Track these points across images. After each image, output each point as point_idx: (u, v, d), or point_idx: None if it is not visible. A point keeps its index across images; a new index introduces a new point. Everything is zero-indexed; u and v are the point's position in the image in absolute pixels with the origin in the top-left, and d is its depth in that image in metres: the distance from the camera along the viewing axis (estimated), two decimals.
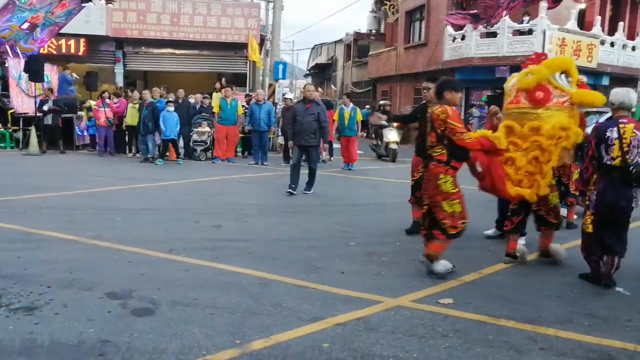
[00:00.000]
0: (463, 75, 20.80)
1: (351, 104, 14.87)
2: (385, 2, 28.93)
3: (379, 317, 4.12)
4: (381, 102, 17.02)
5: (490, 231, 6.97)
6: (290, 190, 9.52)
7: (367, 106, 30.15)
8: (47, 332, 3.62)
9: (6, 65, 16.22)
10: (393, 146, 15.96)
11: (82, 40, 21.51)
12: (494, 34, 19.58)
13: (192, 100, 15.48)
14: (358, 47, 36.95)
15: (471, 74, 20.53)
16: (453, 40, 21.15)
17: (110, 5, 19.84)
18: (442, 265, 5.18)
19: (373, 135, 17.70)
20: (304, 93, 9.91)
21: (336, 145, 15.76)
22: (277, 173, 12.58)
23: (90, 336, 3.59)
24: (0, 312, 3.93)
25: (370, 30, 35.21)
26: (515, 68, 18.65)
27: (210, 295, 4.44)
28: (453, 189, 5.16)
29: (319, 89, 20.16)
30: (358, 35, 37.10)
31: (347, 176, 12.75)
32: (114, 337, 3.58)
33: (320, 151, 9.93)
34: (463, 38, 20.63)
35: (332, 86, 40.76)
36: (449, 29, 21.19)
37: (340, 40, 41.76)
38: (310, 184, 9.71)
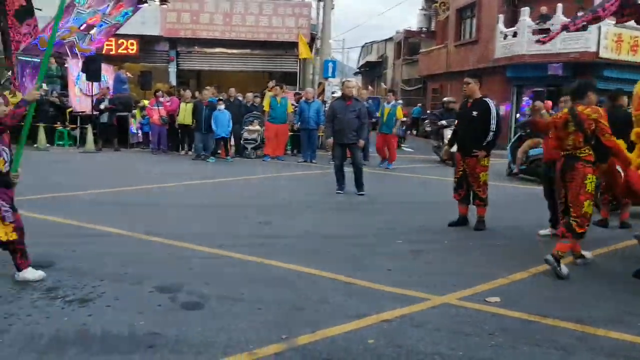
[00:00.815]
0: (514, 73, 20.33)
1: (393, 101, 14.46)
2: (435, 0, 28.61)
3: (425, 315, 4.06)
4: (445, 99, 16.60)
5: (546, 230, 6.78)
6: (339, 192, 9.46)
7: (419, 104, 29.87)
8: (99, 324, 3.73)
9: (66, 65, 16.83)
10: (453, 149, 15.50)
11: (137, 41, 22.10)
12: (547, 31, 19.00)
13: (242, 99, 15.68)
14: (408, 45, 36.62)
15: (522, 71, 20.04)
16: (504, 38, 20.67)
17: (164, 6, 20.33)
18: (565, 269, 5.10)
19: (432, 137, 17.22)
20: (343, 90, 9.78)
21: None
22: (325, 171, 12.59)
23: (141, 328, 3.68)
24: (56, 303, 4.07)
25: (421, 28, 34.85)
26: (569, 65, 18.27)
27: (258, 290, 4.48)
28: (593, 190, 5.14)
29: (369, 87, 20.06)
30: (408, 33, 36.78)
31: (395, 174, 12.65)
32: (163, 330, 3.65)
33: (361, 149, 9.66)
34: (515, 35, 20.12)
35: (382, 84, 40.52)
36: (500, 26, 20.73)
37: (391, 39, 41.51)
38: (359, 184, 9.39)
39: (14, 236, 4.46)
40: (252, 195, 9.32)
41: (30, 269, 4.56)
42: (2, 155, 4.46)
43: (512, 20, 21.10)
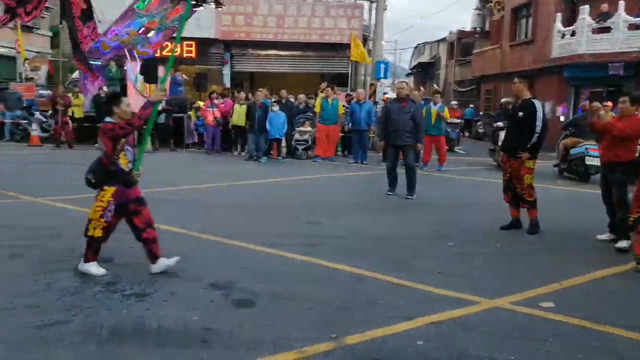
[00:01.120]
0: (572, 73, 19.72)
1: (440, 102, 14.20)
2: None
3: (476, 318, 4.03)
4: (503, 100, 16.19)
5: (604, 235, 6.58)
6: (390, 194, 9.44)
7: (471, 105, 29.40)
8: (155, 318, 3.86)
9: (125, 68, 17.39)
10: None
11: (193, 43, 22.60)
12: (607, 29, 18.37)
13: (294, 100, 15.84)
14: (462, 45, 36.09)
15: (581, 71, 19.40)
16: (562, 37, 20.09)
17: (219, 9, 20.70)
18: None
19: (488, 139, 16.82)
20: (396, 91, 9.77)
21: None
22: (375, 172, 12.58)
23: (195, 323, 3.79)
24: (115, 297, 4.25)
25: (475, 28, 34.31)
26: (630, 65, 17.58)
27: (308, 289, 4.54)
28: None
29: (421, 88, 19.88)
30: (462, 34, 36.26)
31: (446, 176, 12.51)
32: (216, 326, 3.75)
33: (416, 152, 9.57)
34: (573, 34, 19.53)
35: (435, 85, 40.08)
36: (558, 25, 20.16)
37: (444, 39, 41.03)
38: (411, 187, 9.27)
39: (98, 234, 4.67)
40: (303, 196, 9.41)
41: (95, 263, 4.76)
42: (126, 154, 4.70)
43: (570, 18, 20.50)
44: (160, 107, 15.45)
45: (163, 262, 4.81)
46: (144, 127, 5.11)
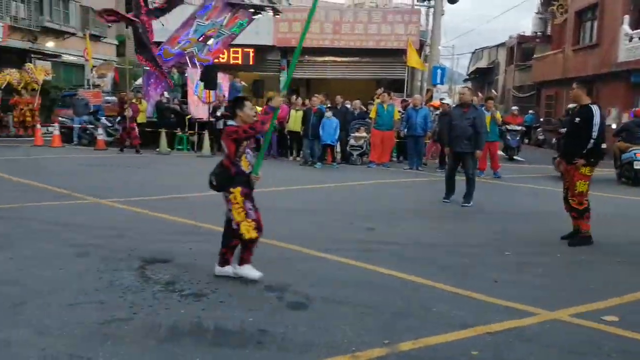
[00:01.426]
0: None
1: (493, 108, 13.85)
2: (553, 2, 27.36)
3: (534, 330, 3.92)
4: (570, 105, 15.58)
5: None
6: (446, 201, 9.32)
7: (530, 111, 28.66)
8: (212, 318, 3.95)
9: (186, 75, 17.90)
10: None
11: (251, 50, 23.03)
12: None
13: (349, 106, 15.87)
14: (522, 50, 35.28)
15: None
16: (630, 40, 19.32)
17: (277, 16, 21.04)
18: None
19: (551, 146, 16.33)
20: (458, 97, 9.71)
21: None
22: (432, 179, 12.45)
23: (250, 325, 3.86)
24: (173, 297, 4.37)
25: (536, 33, 33.43)
26: None
27: (362, 294, 4.54)
28: None
29: (479, 94, 19.53)
30: (522, 38, 35.44)
31: (504, 183, 12.23)
32: (270, 328, 3.80)
33: (476, 159, 9.39)
34: None
35: (493, 91, 39.30)
36: (626, 28, 19.40)
37: (503, 44, 40.22)
38: (468, 195, 9.13)
39: (254, 234, 4.70)
40: (358, 201, 9.41)
41: (250, 266, 4.83)
42: (247, 157, 4.77)
43: (638, 21, 19.70)
44: (219, 113, 15.91)
45: (247, 270, 4.81)
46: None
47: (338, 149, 15.13)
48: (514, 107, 18.93)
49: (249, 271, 4.80)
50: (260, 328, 3.79)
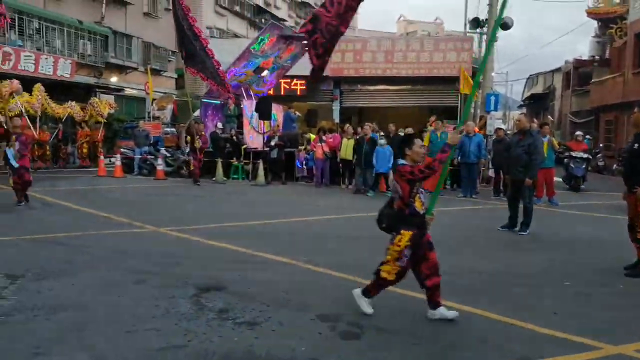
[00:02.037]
0: None
1: (548, 135, 13.43)
2: (611, 26, 26.68)
3: None
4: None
5: None
6: (503, 229, 9.12)
7: (588, 136, 27.79)
8: (264, 347, 3.98)
9: (242, 106, 18.35)
10: None
11: (304, 81, 23.40)
12: None
13: (401, 134, 15.83)
14: (578, 74, 34.45)
15: None
16: None
17: None
18: None
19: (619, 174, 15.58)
20: (516, 124, 9.62)
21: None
22: (486, 206, 12.21)
23: (302, 354, 3.87)
24: (227, 324, 4.44)
25: (593, 57, 32.61)
26: None
27: (415, 325, 4.48)
28: None
29: (534, 120, 19.11)
30: (579, 63, 34.65)
31: (562, 211, 11.85)
32: (321, 357, 3.80)
33: (531, 187, 9.16)
34: None
35: (549, 117, 38.42)
36: None
37: (559, 69, 39.43)
38: (525, 224, 8.95)
39: (392, 277, 4.56)
40: None
41: (369, 301, 4.72)
42: (420, 197, 4.60)
43: None
44: (273, 143, 16.20)
45: (441, 312, 4.62)
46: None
47: (391, 176, 15.05)
48: (578, 132, 17.61)
49: (365, 305, 4.69)
50: (312, 357, 3.79)
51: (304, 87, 23.51)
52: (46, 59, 20.76)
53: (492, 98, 18.45)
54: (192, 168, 16.24)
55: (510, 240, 8.49)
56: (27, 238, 7.75)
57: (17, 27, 20.88)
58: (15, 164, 10.51)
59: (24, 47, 20.59)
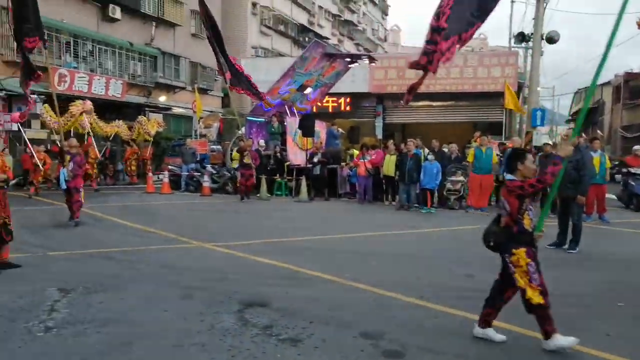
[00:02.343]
0: None
1: (599, 150, 13.03)
2: None
3: None
4: None
5: None
6: (551, 246, 8.91)
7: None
8: None
9: (285, 123, 18.57)
10: None
11: (347, 98, 23.54)
12: None
13: (445, 150, 15.72)
14: (629, 88, 33.51)
15: None
16: None
17: (372, 64, 21.45)
18: None
19: None
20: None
21: None
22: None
23: None
24: (270, 341, 4.48)
25: None
26: None
27: (460, 344, 4.42)
28: None
29: (583, 135, 18.64)
30: (629, 76, 33.74)
31: (612, 228, 11.48)
32: None
33: (581, 204, 8.93)
34: None
35: (598, 131, 37.37)
36: None
37: (608, 82, 38.38)
38: (574, 241, 8.74)
39: (540, 300, 4.29)
40: (455, 247, 9.20)
41: (558, 335, 4.32)
42: (529, 214, 4.42)
43: None
44: (316, 159, 16.30)
45: (489, 333, 4.55)
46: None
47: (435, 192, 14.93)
48: (637, 147, 16.29)
49: (561, 341, 4.29)
50: None
51: (347, 104, 23.64)
52: (99, 79, 21.51)
53: (539, 113, 18.14)
54: (238, 185, 16.47)
55: (559, 258, 8.27)
56: (78, 253, 8.02)
57: (72, 49, 21.75)
58: (64, 186, 10.48)
59: (79, 68, 21.40)
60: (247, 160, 15.97)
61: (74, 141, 11.22)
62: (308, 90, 19.11)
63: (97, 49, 23.26)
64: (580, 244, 8.70)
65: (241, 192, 15.99)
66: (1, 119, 17.48)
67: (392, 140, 17.01)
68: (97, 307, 5.35)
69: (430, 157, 13.99)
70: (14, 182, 12.36)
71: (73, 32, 21.68)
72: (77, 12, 21.90)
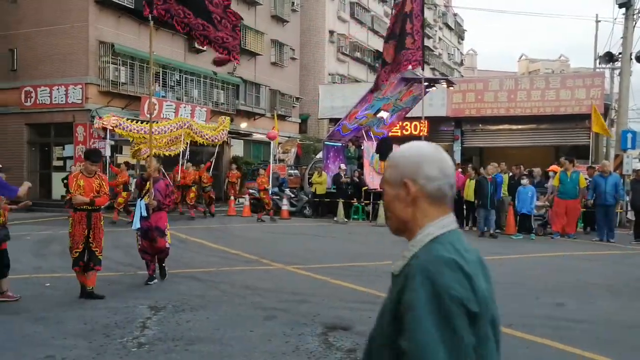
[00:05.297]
0: None
1: None
2: None
3: None
4: None
5: None
6: None
7: None
8: None
9: (362, 147, 18.68)
10: None
11: (425, 122, 23.37)
12: None
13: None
14: None
15: None
16: None
17: (451, 88, 21.27)
18: None
19: None
20: None
21: None
22: (626, 251, 11.33)
23: None
24: None
25: None
26: None
27: None
28: None
29: None
30: None
31: None
32: None
33: None
34: None
35: None
36: None
37: None
38: None
39: None
40: (543, 274, 8.87)
41: None
42: None
43: None
44: None
45: None
46: None
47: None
48: None
49: None
50: None
51: (425, 128, 23.47)
52: (184, 107, 22.54)
53: (629, 135, 17.30)
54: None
55: None
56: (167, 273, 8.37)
57: (161, 79, 22.93)
58: (138, 224, 7.62)
59: (166, 97, 22.52)
60: None
61: (154, 162, 8.15)
62: (385, 115, 19.17)
63: (183, 78, 24.40)
64: None
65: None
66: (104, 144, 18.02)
67: (470, 165, 16.72)
68: (185, 326, 5.56)
69: (525, 180, 13.62)
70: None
71: (162, 63, 22.87)
72: (167, 44, 23.10)
